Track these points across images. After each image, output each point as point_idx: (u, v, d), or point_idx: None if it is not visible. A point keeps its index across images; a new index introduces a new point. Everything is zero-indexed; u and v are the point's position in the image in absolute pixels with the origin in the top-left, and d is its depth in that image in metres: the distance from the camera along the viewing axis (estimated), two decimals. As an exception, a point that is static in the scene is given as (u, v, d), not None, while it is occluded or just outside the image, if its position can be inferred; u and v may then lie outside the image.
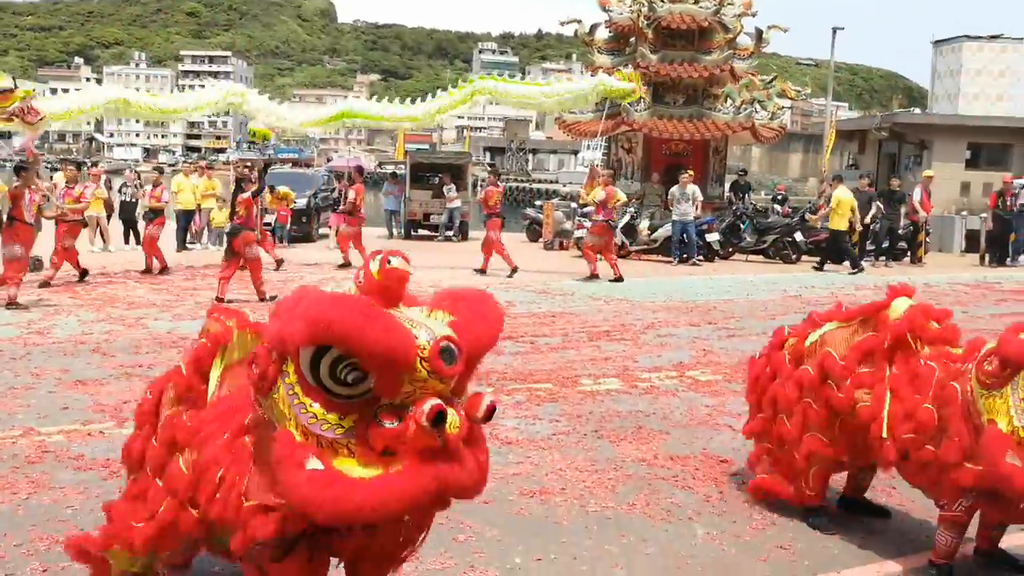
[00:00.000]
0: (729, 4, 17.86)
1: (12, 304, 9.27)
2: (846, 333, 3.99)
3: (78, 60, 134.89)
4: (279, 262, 13.38)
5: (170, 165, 67.81)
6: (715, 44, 17.88)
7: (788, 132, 30.02)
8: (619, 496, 4.46)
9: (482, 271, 13.24)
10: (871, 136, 28.29)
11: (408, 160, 21.76)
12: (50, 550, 3.61)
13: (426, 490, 2.15)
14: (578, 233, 16.24)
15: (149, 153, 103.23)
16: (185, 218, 16.36)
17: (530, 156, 67.33)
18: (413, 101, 14.20)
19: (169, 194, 14.95)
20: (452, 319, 2.30)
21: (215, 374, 2.77)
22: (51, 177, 12.03)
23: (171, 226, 16.11)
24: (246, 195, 10.58)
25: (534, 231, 19.66)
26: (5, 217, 9.87)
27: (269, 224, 15.87)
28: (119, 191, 16.38)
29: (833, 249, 15.43)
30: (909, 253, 17.25)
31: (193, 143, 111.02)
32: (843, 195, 15.16)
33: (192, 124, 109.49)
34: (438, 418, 2.13)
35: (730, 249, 16.94)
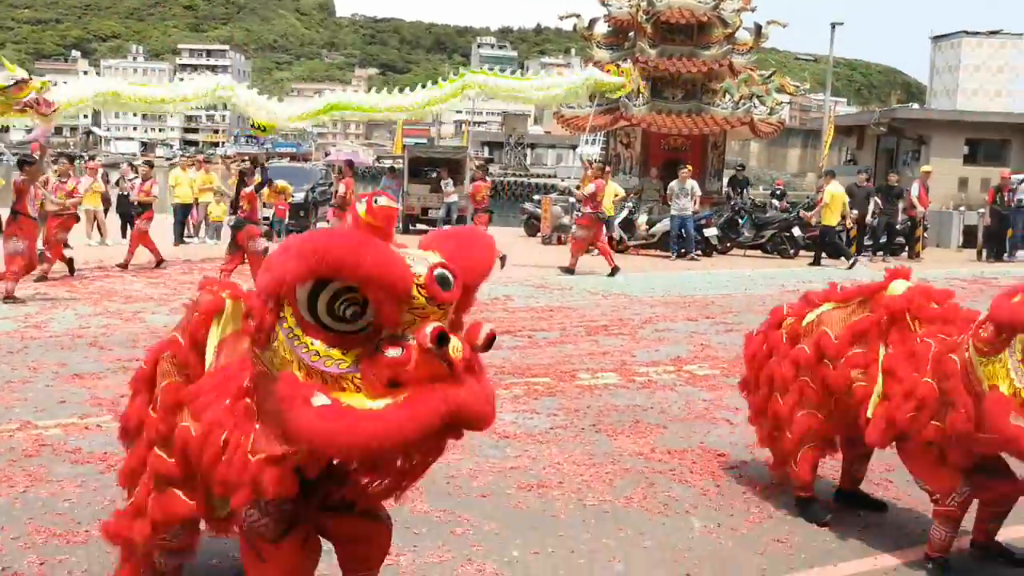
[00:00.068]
0: (728, -1, 17.87)
1: (9, 298, 9.25)
2: (843, 314, 4.00)
3: (75, 53, 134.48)
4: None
5: (167, 159, 67.68)
6: (714, 39, 17.87)
7: (786, 127, 30.10)
8: (617, 490, 4.47)
9: None
10: (869, 131, 28.32)
11: (406, 154, 21.73)
12: (47, 543, 3.61)
13: (437, 412, 2.09)
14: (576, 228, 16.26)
15: (146, 147, 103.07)
16: (182, 212, 16.33)
17: (528, 151, 67.22)
18: (401, 91, 14.21)
19: (159, 188, 14.86)
20: (444, 252, 2.31)
21: (212, 343, 2.75)
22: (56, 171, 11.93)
23: (168, 220, 16.11)
24: (249, 189, 10.57)
25: (532, 226, 19.65)
26: (9, 211, 9.82)
27: (267, 219, 15.85)
28: (116, 184, 16.36)
29: (824, 244, 15.55)
30: (907, 248, 17.29)
31: (190, 137, 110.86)
32: (835, 190, 15.26)
33: (190, 118, 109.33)
34: (440, 339, 2.10)
35: (728, 244, 16.96)
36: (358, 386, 2.15)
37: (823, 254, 15.61)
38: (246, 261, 10.52)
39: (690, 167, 16.37)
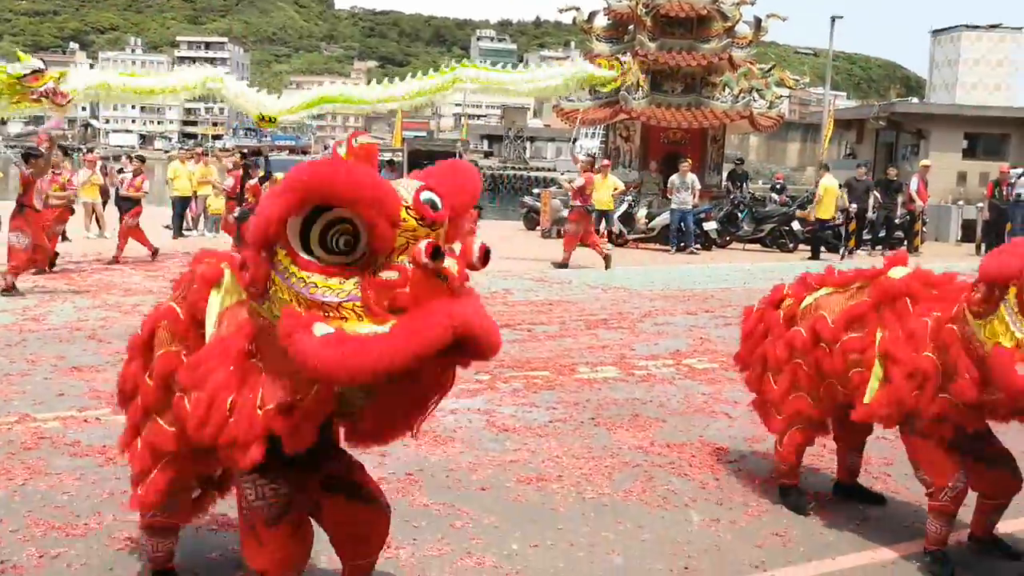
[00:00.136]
0: (728, -8, 17.83)
1: (8, 291, 9.24)
2: (841, 298, 4.00)
3: (73, 45, 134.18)
4: None
5: (165, 151, 67.60)
6: (714, 32, 17.83)
7: (786, 121, 30.02)
8: (616, 483, 4.47)
9: None
10: (869, 125, 28.27)
11: (405, 147, 21.75)
12: (46, 536, 3.61)
13: (443, 325, 2.06)
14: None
15: (145, 139, 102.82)
16: (181, 204, 16.31)
17: (528, 144, 67.19)
18: (392, 81, 14.20)
19: (152, 183, 14.81)
20: (428, 182, 2.33)
21: (213, 313, 2.71)
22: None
23: (160, 213, 16.08)
24: (253, 181, 10.58)
25: (531, 219, 19.63)
26: (15, 204, 9.76)
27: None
28: (119, 172, 16.32)
29: (816, 238, 15.65)
30: (905, 242, 17.27)
31: (189, 130, 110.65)
32: (828, 183, 15.37)
33: (188, 110, 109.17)
34: (435, 253, 2.09)
35: (727, 238, 16.97)
36: (359, 314, 2.14)
37: (822, 248, 15.64)
38: None
39: (690, 161, 16.38)
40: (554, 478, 4.50)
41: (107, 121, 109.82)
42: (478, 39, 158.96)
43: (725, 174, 19.84)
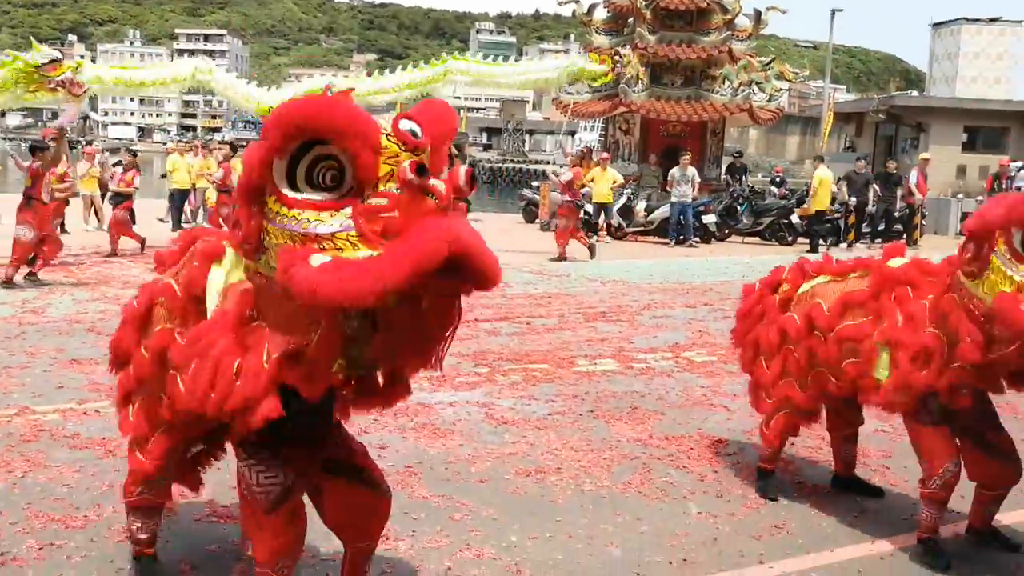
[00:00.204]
0: (728, -15, 17.77)
1: (7, 283, 9.24)
2: (838, 287, 4.01)
3: (72, 38, 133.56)
4: None
5: (163, 144, 67.33)
6: (713, 25, 17.78)
7: (785, 114, 29.97)
8: (614, 475, 4.48)
9: None
10: (868, 119, 28.28)
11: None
12: (46, 528, 3.62)
13: (438, 239, 2.04)
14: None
15: (144, 132, 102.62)
16: (180, 197, 16.26)
17: (527, 137, 67.07)
18: (382, 73, 14.22)
19: (142, 180, 14.74)
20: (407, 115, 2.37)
21: (215, 288, 2.69)
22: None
23: (153, 206, 16.04)
24: None
25: (530, 212, 19.61)
26: (23, 196, 9.73)
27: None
28: (118, 165, 16.26)
29: (812, 229, 15.73)
30: (905, 235, 17.26)
31: (188, 122, 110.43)
32: (823, 174, 15.47)
33: (187, 103, 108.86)
34: (420, 169, 2.11)
35: (727, 231, 16.96)
36: (354, 243, 2.15)
37: (820, 240, 15.66)
38: None
39: (691, 153, 16.37)
40: (553, 470, 4.51)
41: (106, 114, 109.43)
42: (477, 32, 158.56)
43: (724, 167, 19.82)
